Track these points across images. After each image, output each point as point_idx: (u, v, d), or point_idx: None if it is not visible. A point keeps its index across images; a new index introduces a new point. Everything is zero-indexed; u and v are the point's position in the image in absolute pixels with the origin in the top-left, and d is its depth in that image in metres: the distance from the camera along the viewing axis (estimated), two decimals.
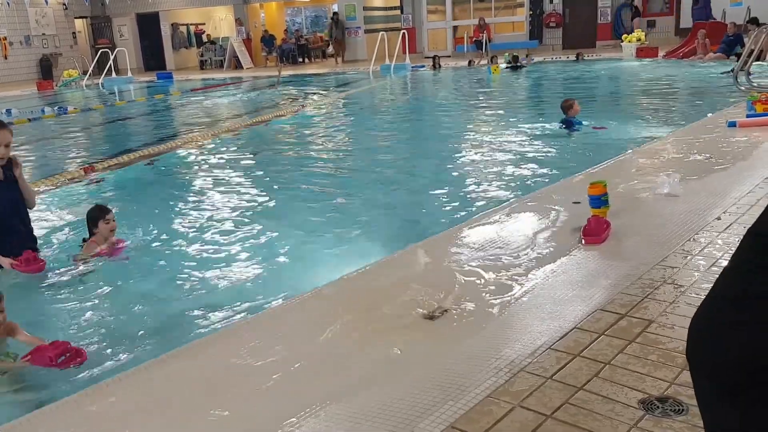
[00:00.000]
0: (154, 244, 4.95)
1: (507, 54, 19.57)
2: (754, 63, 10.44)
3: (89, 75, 22.80)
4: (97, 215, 4.77)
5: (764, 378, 1.24)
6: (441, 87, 17.18)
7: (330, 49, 28.31)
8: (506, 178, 6.52)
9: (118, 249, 4.76)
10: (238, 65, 26.11)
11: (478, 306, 3.05)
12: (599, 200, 3.88)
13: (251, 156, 9.21)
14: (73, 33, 28.47)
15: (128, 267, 4.52)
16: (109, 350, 3.30)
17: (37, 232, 4.86)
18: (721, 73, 13.20)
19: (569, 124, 8.44)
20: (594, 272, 3.38)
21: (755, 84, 10.19)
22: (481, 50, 21.84)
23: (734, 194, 4.51)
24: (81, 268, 4.49)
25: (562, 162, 6.96)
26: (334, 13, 25.42)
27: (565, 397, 2.28)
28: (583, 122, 8.47)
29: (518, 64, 18.64)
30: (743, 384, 1.25)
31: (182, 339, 3.09)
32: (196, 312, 3.74)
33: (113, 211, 4.87)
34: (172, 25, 28.62)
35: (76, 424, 2.39)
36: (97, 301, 3.97)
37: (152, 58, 28.70)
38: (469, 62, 20.74)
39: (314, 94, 16.89)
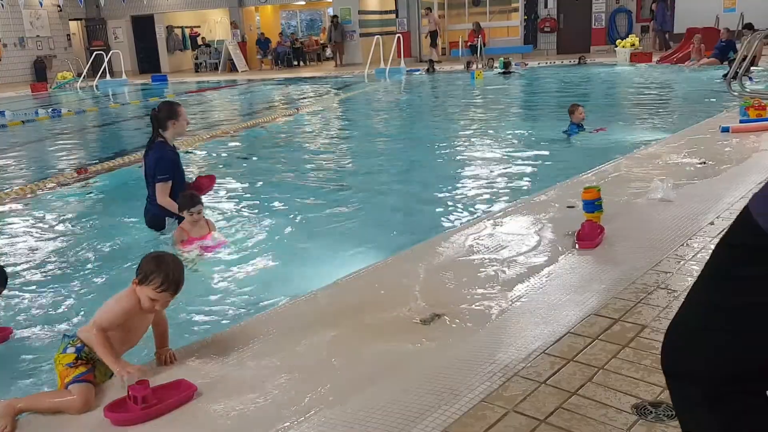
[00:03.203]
0: (149, 247, 4.92)
1: (502, 59, 19.65)
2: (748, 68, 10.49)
3: (83, 77, 22.74)
4: (183, 203, 4.64)
5: (741, 384, 1.26)
6: (435, 91, 17.21)
7: (328, 52, 28.33)
8: (500, 182, 6.53)
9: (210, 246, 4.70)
10: (233, 68, 26.12)
11: (471, 310, 3.06)
12: (593, 205, 3.89)
13: (245, 159, 9.20)
14: (68, 35, 28.39)
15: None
16: None
17: (35, 234, 4.85)
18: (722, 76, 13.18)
19: (569, 128, 8.41)
20: (588, 277, 3.39)
21: (748, 90, 10.23)
22: (476, 54, 21.90)
23: (727, 199, 4.53)
24: None
25: (556, 166, 6.98)
26: (334, 16, 25.47)
27: (558, 402, 2.28)
28: (575, 127, 8.46)
29: (510, 70, 18.73)
30: (721, 390, 1.28)
31: (178, 341, 3.07)
32: (190, 315, 3.73)
33: (200, 206, 4.69)
34: (167, 27, 28.57)
35: (70, 423, 2.39)
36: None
37: (147, 60, 28.64)
38: (468, 63, 20.80)
39: (310, 97, 16.89)
